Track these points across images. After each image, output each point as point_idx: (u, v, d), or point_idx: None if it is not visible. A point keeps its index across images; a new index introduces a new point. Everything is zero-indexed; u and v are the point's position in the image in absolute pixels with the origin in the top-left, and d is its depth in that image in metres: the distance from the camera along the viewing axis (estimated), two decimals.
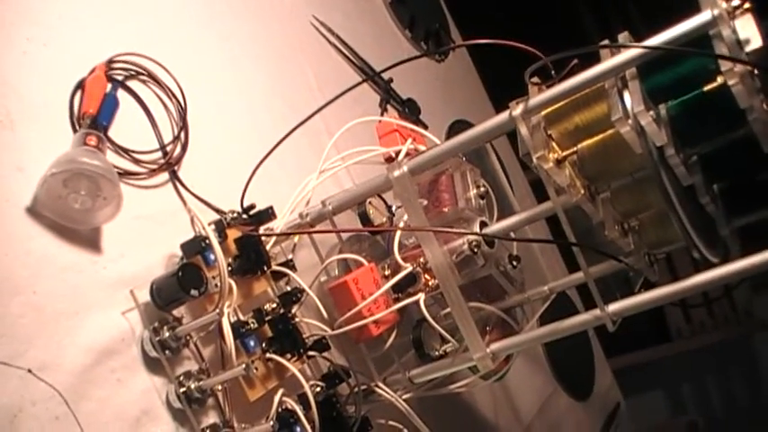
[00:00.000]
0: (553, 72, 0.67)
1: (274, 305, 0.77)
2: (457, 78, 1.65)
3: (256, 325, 0.75)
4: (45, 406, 0.63)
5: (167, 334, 0.72)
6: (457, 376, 0.89)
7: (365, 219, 0.88)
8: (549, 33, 1.25)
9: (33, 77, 0.73)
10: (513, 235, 0.88)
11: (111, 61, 0.81)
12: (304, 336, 0.79)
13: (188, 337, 0.74)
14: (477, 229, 0.80)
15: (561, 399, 1.50)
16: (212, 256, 0.73)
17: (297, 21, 1.18)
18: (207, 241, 0.73)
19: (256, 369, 0.74)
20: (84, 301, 0.69)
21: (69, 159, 0.69)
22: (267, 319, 0.77)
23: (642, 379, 2.69)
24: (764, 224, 0.80)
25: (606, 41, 0.68)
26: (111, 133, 0.78)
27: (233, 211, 0.79)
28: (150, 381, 0.72)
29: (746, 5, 0.59)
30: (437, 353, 0.83)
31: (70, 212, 0.69)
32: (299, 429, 0.72)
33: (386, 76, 1.29)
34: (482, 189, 0.85)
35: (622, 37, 0.67)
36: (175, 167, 0.84)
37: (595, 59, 0.66)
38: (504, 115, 0.69)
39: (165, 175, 0.83)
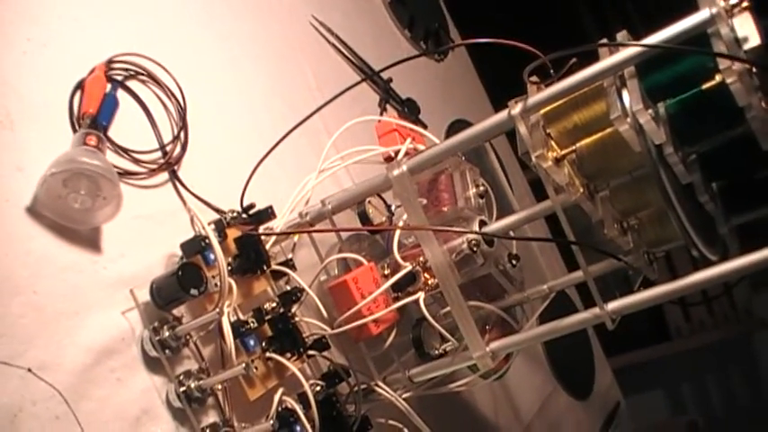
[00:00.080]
0: (552, 71, 0.67)
1: (274, 304, 0.78)
2: (456, 78, 1.65)
3: (256, 324, 0.75)
4: (45, 405, 0.63)
5: (167, 333, 0.72)
6: (457, 375, 0.89)
7: (365, 218, 0.88)
8: (548, 33, 1.25)
9: (33, 77, 0.73)
10: (512, 234, 0.88)
11: (110, 61, 0.81)
12: (304, 335, 0.79)
13: (188, 337, 0.74)
14: (476, 228, 0.80)
15: (561, 398, 1.50)
16: (212, 256, 0.73)
17: (296, 21, 1.19)
18: (207, 241, 0.73)
19: (256, 368, 0.74)
20: (85, 301, 0.69)
21: (69, 159, 0.69)
22: (267, 318, 0.77)
23: (642, 378, 2.70)
24: (763, 222, 0.80)
25: (605, 40, 0.68)
26: (110, 133, 0.78)
27: (233, 211, 0.79)
28: (150, 380, 0.72)
29: (745, 4, 0.60)
30: (437, 352, 0.83)
31: (70, 212, 0.69)
32: (298, 428, 0.72)
33: (385, 75, 1.30)
34: (481, 188, 0.85)
35: (621, 36, 0.67)
36: (175, 167, 0.84)
37: (594, 58, 0.66)
38: (502, 114, 0.69)
39: (164, 175, 0.83)
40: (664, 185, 0.68)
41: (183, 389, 0.72)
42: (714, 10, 0.59)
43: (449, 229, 0.80)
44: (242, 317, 0.75)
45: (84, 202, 0.69)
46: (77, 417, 0.64)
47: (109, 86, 0.79)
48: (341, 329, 0.80)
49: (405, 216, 0.80)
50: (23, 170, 0.69)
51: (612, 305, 0.71)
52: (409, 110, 1.33)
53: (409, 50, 1.47)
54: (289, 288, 0.82)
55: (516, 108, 0.68)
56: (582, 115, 0.70)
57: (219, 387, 0.74)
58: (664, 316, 2.82)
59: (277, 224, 0.83)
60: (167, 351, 0.72)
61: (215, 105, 0.95)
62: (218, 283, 0.71)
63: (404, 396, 0.84)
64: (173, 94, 0.87)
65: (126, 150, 0.79)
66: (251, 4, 1.10)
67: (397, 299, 0.81)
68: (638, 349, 2.74)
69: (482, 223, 0.83)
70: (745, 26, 0.60)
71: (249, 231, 0.78)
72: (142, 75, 0.85)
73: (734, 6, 0.60)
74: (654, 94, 0.69)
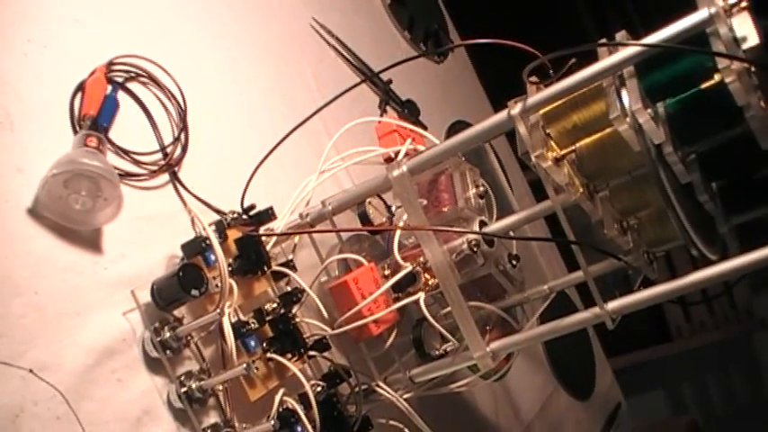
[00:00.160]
0: (551, 71, 0.67)
1: (275, 305, 0.78)
2: (456, 79, 1.65)
3: (257, 325, 0.75)
4: (46, 406, 0.63)
5: (168, 334, 0.72)
6: (457, 375, 0.89)
7: (365, 219, 0.88)
8: (547, 33, 1.25)
9: (34, 78, 0.74)
10: (512, 234, 0.89)
11: (111, 63, 0.81)
12: (304, 335, 0.79)
13: (189, 338, 0.74)
14: (476, 228, 0.81)
15: (562, 398, 1.50)
16: (213, 257, 0.73)
17: (296, 22, 1.19)
18: (207, 242, 0.73)
19: (257, 369, 0.74)
20: (85, 302, 0.69)
21: (70, 160, 0.69)
22: (268, 319, 0.77)
23: (642, 378, 2.70)
24: (763, 221, 0.80)
25: (604, 40, 0.68)
26: (111, 135, 0.78)
27: (233, 212, 0.80)
28: (151, 381, 0.72)
29: (743, 3, 0.60)
30: (437, 352, 0.83)
31: (71, 213, 0.69)
32: (299, 429, 0.72)
33: (385, 76, 1.30)
34: (481, 188, 0.85)
35: (620, 35, 0.67)
36: (176, 168, 0.84)
37: (593, 58, 0.66)
38: (502, 114, 0.69)
39: (165, 176, 0.83)
40: (663, 185, 0.68)
41: (184, 389, 0.72)
42: (713, 10, 0.59)
43: (449, 229, 0.80)
44: (243, 317, 0.75)
45: (84, 204, 0.69)
46: (78, 417, 0.65)
47: (109, 88, 0.79)
48: (341, 330, 0.80)
49: (405, 216, 0.80)
50: (24, 171, 0.69)
51: (612, 305, 0.71)
52: (409, 111, 1.33)
53: (409, 51, 1.47)
54: (289, 289, 0.82)
55: (516, 108, 0.68)
56: (581, 115, 0.71)
57: (220, 388, 0.74)
58: (664, 316, 2.82)
59: (277, 225, 0.83)
60: (168, 352, 0.72)
61: (215, 107, 0.95)
62: (219, 284, 0.71)
63: (404, 396, 0.84)
64: (173, 96, 0.87)
65: (126, 152, 0.79)
66: (251, 6, 1.10)
67: (397, 299, 0.81)
68: (639, 350, 2.74)
69: (482, 223, 0.83)
70: (743, 26, 0.60)
71: (250, 232, 0.78)
72: (143, 76, 0.85)
73: (732, 6, 0.60)
74: (653, 94, 0.69)
